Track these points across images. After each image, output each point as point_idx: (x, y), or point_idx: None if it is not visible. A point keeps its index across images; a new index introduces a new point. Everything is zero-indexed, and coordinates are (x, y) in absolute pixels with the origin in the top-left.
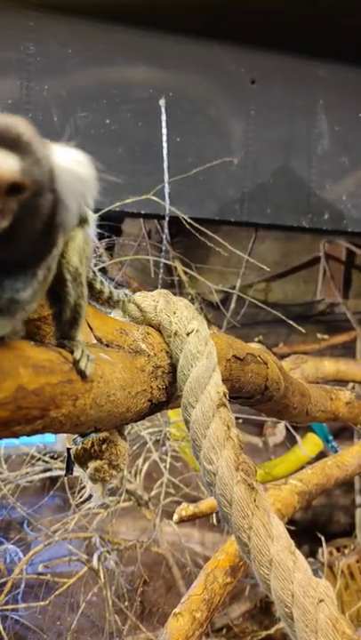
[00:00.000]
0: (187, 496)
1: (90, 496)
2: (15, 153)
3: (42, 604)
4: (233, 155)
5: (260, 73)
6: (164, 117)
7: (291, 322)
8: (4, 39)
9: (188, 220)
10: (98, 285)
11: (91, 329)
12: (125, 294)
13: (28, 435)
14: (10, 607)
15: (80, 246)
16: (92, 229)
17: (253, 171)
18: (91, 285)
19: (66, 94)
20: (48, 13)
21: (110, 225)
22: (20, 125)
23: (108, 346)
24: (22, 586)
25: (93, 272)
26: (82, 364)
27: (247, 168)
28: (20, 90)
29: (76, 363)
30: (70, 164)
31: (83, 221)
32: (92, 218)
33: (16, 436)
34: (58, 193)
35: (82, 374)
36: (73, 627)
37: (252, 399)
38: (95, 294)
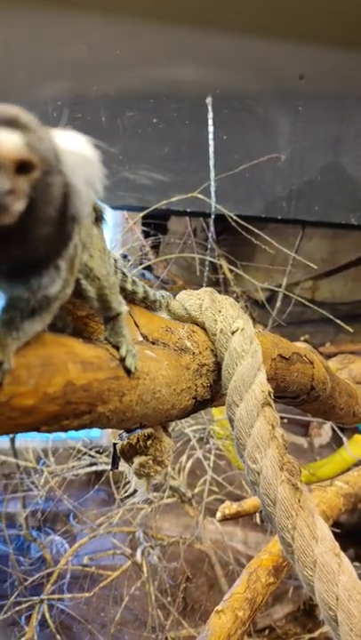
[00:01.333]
0: (230, 494)
1: (134, 491)
2: (19, 131)
3: (87, 594)
4: (280, 151)
5: (308, 68)
6: (210, 115)
7: (338, 321)
8: (54, 41)
9: (235, 218)
10: (129, 286)
11: (137, 326)
12: (163, 295)
13: (76, 429)
14: (56, 597)
15: (87, 241)
16: (105, 224)
17: (301, 167)
18: (121, 287)
19: (114, 94)
20: (97, 15)
21: (156, 223)
22: (16, 109)
23: (153, 343)
24: (68, 577)
25: (123, 273)
26: (127, 362)
27: (295, 165)
28: (70, 91)
29: (122, 360)
30: (73, 145)
31: (98, 218)
32: (107, 213)
33: (64, 430)
34: (65, 175)
35: (128, 372)
36: (117, 619)
37: (298, 399)
38: (128, 295)
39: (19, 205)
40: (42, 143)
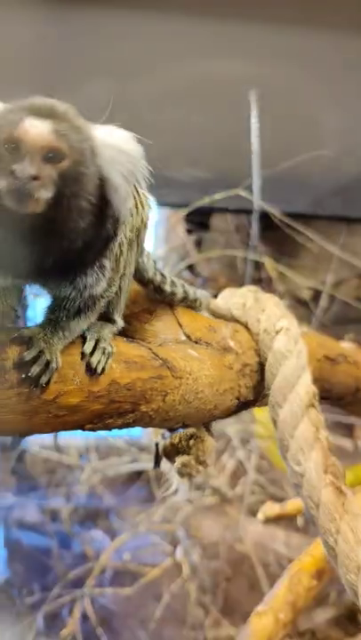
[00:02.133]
0: (273, 495)
1: (176, 490)
2: (50, 120)
3: (127, 590)
4: (325, 147)
5: (356, 60)
6: (253, 110)
7: None
8: (94, 41)
9: (277, 216)
10: (168, 288)
11: (180, 326)
12: (204, 294)
13: (120, 428)
14: (98, 591)
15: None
16: (149, 214)
17: (348, 163)
18: (160, 289)
19: (155, 92)
20: (137, 12)
21: (198, 220)
22: (56, 101)
23: (196, 343)
24: (108, 572)
25: (162, 274)
26: (94, 359)
27: (341, 160)
28: (111, 90)
29: (84, 355)
30: (113, 139)
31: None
32: (150, 202)
33: (108, 428)
34: (101, 169)
35: (92, 370)
36: (157, 616)
37: (343, 400)
38: (166, 296)
39: (45, 193)
40: (76, 134)
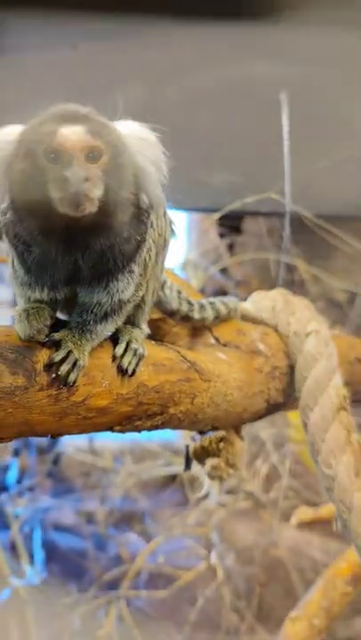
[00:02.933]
0: (307, 500)
1: (207, 493)
2: (80, 122)
3: (162, 593)
4: (359, 147)
5: None
6: (285, 112)
7: None
8: (126, 48)
9: (310, 218)
10: (196, 315)
11: (209, 329)
12: (233, 301)
13: (149, 429)
14: (133, 593)
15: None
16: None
17: None
18: (188, 317)
19: (187, 96)
20: (168, 18)
21: (230, 224)
22: (73, 104)
23: (225, 346)
24: (143, 575)
25: (188, 302)
26: (125, 361)
27: None
28: (142, 95)
29: (115, 358)
30: (133, 131)
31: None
32: (173, 227)
33: (138, 430)
34: (132, 157)
35: (123, 371)
36: (192, 620)
37: None
38: (197, 322)
39: (97, 191)
40: (104, 129)
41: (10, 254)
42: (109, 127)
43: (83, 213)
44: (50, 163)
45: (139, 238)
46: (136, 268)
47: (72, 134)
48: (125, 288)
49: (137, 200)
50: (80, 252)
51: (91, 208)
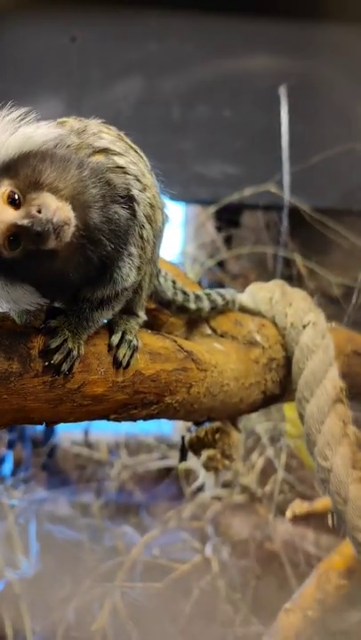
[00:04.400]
0: (302, 494)
1: (202, 485)
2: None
3: (157, 585)
4: (357, 140)
5: None
6: (283, 105)
7: None
8: (126, 40)
9: (308, 212)
10: (192, 305)
11: (206, 319)
12: (231, 293)
13: (145, 419)
14: (128, 585)
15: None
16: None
17: None
18: (184, 307)
19: (186, 88)
20: (168, 11)
21: (228, 217)
22: None
23: (222, 336)
24: (138, 567)
25: (183, 292)
26: (120, 352)
27: None
28: (141, 87)
29: (111, 348)
30: (36, 132)
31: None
32: (166, 211)
33: (133, 419)
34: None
35: (118, 363)
36: (186, 612)
37: None
38: (193, 313)
39: (69, 213)
40: (28, 162)
41: None
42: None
43: (65, 241)
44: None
45: (123, 223)
46: (134, 250)
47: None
48: (128, 274)
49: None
50: (75, 270)
51: (69, 234)
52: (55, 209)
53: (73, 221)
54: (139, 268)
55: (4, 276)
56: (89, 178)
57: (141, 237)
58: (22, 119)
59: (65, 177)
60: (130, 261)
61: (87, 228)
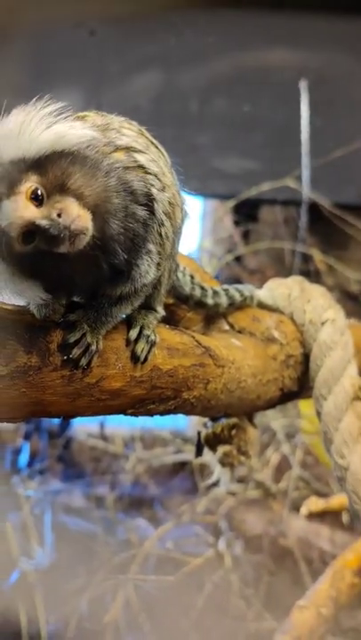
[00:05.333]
0: (317, 491)
1: (217, 480)
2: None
3: (170, 578)
4: None
5: None
6: (304, 100)
7: None
8: (145, 35)
9: (327, 207)
10: (210, 301)
11: (223, 315)
12: (249, 289)
13: (162, 414)
14: (141, 577)
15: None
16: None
17: None
18: (202, 302)
19: (204, 82)
20: (187, 5)
21: (247, 212)
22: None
23: (240, 332)
24: (151, 560)
25: (201, 288)
26: (138, 347)
27: None
28: (161, 81)
29: (129, 342)
30: (67, 132)
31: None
32: (186, 207)
33: (150, 414)
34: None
35: (135, 358)
36: (199, 605)
37: None
38: (210, 309)
39: (86, 218)
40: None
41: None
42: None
43: (79, 247)
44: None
45: (144, 216)
46: (153, 247)
47: (15, 210)
48: (147, 271)
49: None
50: (93, 271)
51: (85, 238)
52: (76, 217)
53: (90, 232)
54: (158, 265)
55: (13, 268)
56: (114, 187)
57: (160, 235)
58: (57, 115)
59: (92, 185)
60: (148, 259)
61: (103, 237)
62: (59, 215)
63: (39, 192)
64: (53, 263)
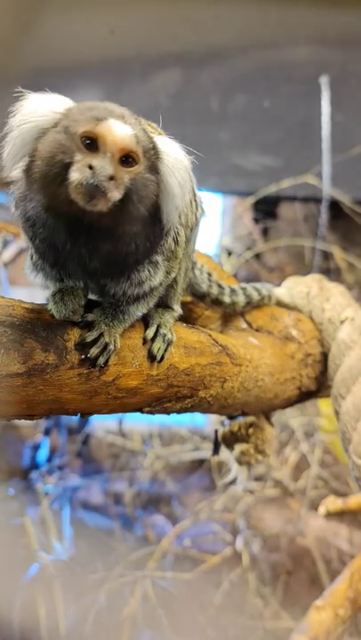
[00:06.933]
0: (336, 490)
1: (235, 479)
2: (129, 125)
3: (187, 575)
4: None
5: None
6: (324, 96)
7: None
8: (165, 31)
9: (348, 204)
10: (227, 299)
11: (241, 313)
12: (267, 288)
13: (178, 412)
14: (159, 574)
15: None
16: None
17: None
18: (218, 300)
19: (225, 79)
20: (205, 2)
21: (266, 209)
22: (123, 108)
23: (258, 331)
24: (169, 557)
25: (218, 286)
26: (155, 347)
27: None
28: (180, 78)
29: (146, 341)
30: (171, 149)
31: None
32: (203, 206)
33: (167, 412)
34: (162, 176)
35: (152, 357)
36: (216, 603)
37: None
38: (228, 307)
39: (116, 194)
40: (147, 141)
41: (28, 248)
42: (152, 140)
43: (92, 208)
44: (83, 146)
45: (154, 241)
46: (160, 258)
47: (118, 130)
48: (149, 277)
49: (154, 215)
50: (85, 250)
51: (103, 207)
52: (120, 182)
53: (117, 196)
54: (167, 272)
55: (40, 244)
56: (145, 195)
57: (175, 240)
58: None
59: (148, 185)
60: (150, 268)
61: (119, 220)
62: (112, 177)
63: (132, 154)
64: (76, 231)
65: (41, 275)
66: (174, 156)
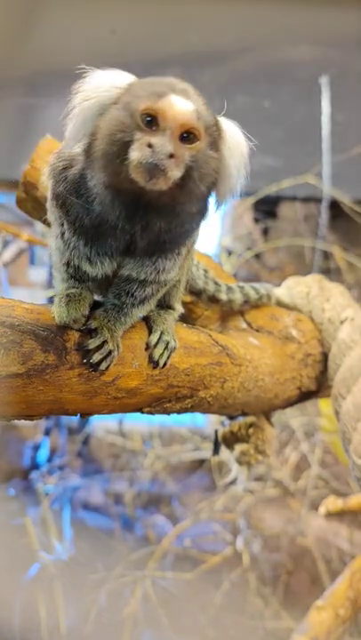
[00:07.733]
0: (336, 490)
1: (235, 479)
2: (191, 100)
3: (188, 575)
4: None
5: None
6: (325, 96)
7: None
8: (166, 33)
9: (348, 204)
10: (223, 296)
11: (241, 313)
12: (266, 288)
13: (178, 412)
14: (159, 574)
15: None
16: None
17: None
18: (215, 298)
19: (225, 79)
20: (208, 1)
21: (266, 209)
22: (187, 84)
23: (258, 331)
24: (169, 557)
25: (215, 283)
26: (156, 352)
27: None
28: (181, 78)
29: (148, 347)
30: (233, 131)
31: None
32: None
33: (167, 412)
34: (222, 156)
35: (155, 363)
36: (217, 603)
37: None
38: (225, 305)
39: (176, 172)
40: (210, 118)
41: (56, 230)
42: (214, 118)
43: (152, 187)
44: (143, 123)
45: (195, 227)
46: (184, 251)
47: (179, 106)
48: (172, 268)
49: (207, 195)
50: (139, 226)
51: (162, 185)
52: (181, 160)
53: (177, 174)
54: (181, 266)
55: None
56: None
57: (192, 243)
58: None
59: (210, 162)
60: (176, 258)
61: (182, 194)
62: (171, 156)
63: (193, 130)
64: (129, 209)
65: (66, 255)
66: (236, 139)
